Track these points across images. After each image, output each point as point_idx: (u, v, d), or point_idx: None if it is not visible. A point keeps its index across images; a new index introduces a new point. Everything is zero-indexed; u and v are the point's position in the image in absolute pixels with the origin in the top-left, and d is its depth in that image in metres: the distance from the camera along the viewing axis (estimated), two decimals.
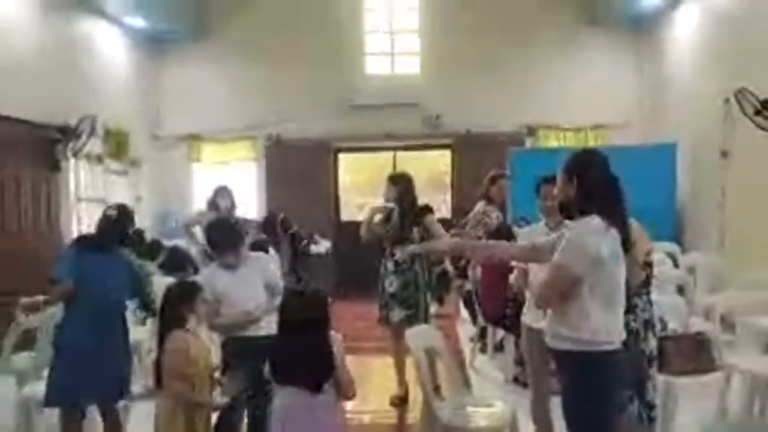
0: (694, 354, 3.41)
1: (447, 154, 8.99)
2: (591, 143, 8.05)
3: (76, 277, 3.15)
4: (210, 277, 3.36)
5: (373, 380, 5.13)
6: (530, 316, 3.31)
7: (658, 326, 3.22)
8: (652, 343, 2.98)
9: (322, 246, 7.73)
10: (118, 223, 3.39)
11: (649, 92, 8.21)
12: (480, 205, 5.19)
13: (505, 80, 8.37)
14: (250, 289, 3.32)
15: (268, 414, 2.74)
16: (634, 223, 2.65)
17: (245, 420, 3.35)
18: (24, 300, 3.26)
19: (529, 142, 8.43)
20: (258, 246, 4.51)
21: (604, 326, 2.36)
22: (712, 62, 6.60)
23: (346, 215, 9.45)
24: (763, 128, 5.37)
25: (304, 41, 8.50)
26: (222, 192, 6.06)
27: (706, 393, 3.60)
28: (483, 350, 5.38)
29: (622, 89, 8.32)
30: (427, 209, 4.49)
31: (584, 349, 2.36)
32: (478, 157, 7.63)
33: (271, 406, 2.61)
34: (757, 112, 5.41)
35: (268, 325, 3.38)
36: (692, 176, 6.91)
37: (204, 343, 2.94)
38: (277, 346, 2.54)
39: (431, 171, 9.76)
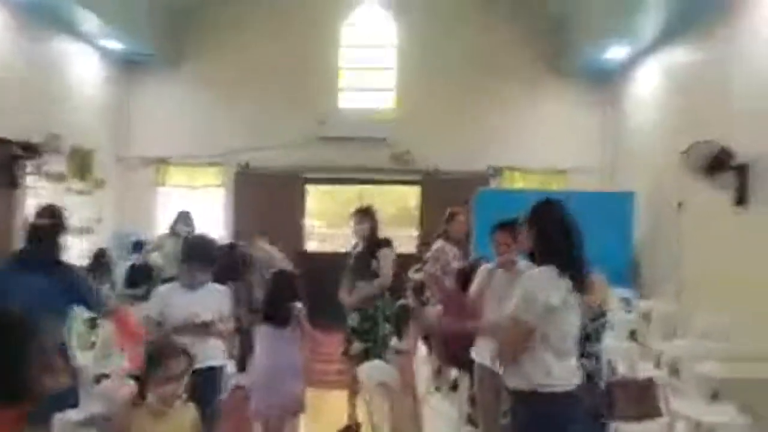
0: (641, 399, 3.47)
1: (416, 189, 9.09)
2: (553, 187, 8.26)
3: None
4: (166, 294, 3.44)
5: (326, 415, 5.05)
6: (480, 353, 3.34)
7: (608, 371, 3.29)
8: (602, 387, 3.06)
9: None
10: (50, 234, 3.20)
11: (611, 142, 8.49)
12: (438, 243, 5.26)
13: (474, 122, 8.57)
14: (204, 312, 3.34)
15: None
16: (594, 274, 2.73)
17: None
18: None
19: (494, 183, 8.59)
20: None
21: (556, 371, 2.46)
22: (670, 117, 6.89)
23: (311, 246, 9.45)
24: (715, 182, 5.60)
25: (277, 72, 8.60)
26: (182, 218, 6.03)
27: None
28: (439, 388, 5.37)
29: (584, 137, 8.58)
30: (386, 242, 4.59)
31: (537, 390, 2.46)
32: (446, 195, 7.72)
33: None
34: (710, 167, 5.64)
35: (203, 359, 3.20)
36: (649, 225, 7.12)
37: (175, 419, 2.48)
38: (265, 301, 3.88)
39: (399, 205, 9.85)
